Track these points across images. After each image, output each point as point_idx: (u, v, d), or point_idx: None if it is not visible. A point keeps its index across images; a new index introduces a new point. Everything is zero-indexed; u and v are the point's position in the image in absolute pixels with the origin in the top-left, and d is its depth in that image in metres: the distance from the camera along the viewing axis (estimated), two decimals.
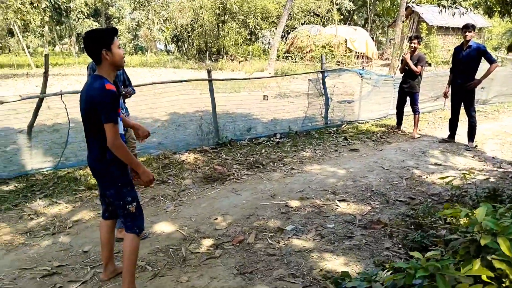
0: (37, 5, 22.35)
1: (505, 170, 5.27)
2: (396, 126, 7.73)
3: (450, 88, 6.63)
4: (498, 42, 25.63)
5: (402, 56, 7.22)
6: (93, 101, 2.35)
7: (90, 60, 2.88)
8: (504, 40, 25.81)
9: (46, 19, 26.82)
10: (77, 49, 37.86)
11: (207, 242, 3.42)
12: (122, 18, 41.84)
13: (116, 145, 2.38)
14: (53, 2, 25.33)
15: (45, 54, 5.26)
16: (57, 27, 35.94)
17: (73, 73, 21.34)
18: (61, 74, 20.57)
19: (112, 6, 42.09)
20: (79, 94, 2.55)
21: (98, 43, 2.38)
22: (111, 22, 42.37)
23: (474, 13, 22.69)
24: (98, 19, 41.43)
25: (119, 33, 36.71)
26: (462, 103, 6.53)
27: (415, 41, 7.04)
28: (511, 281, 1.97)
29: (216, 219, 3.90)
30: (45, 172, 5.27)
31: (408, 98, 7.32)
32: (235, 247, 3.32)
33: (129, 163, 2.50)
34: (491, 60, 6.15)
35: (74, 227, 3.79)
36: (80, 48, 43.16)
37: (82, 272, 3.02)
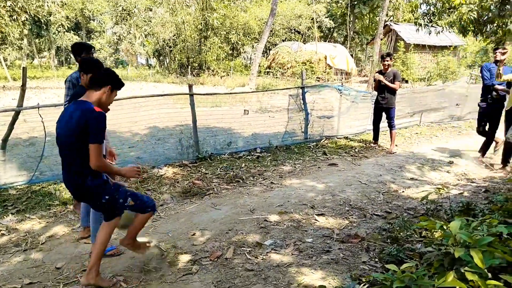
0: (17, 17, 22.04)
1: (478, 185, 5.41)
2: (373, 141, 7.87)
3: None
4: (472, 60, 26.58)
5: (374, 76, 7.38)
6: (84, 122, 2.54)
7: (68, 73, 2.98)
8: (477, 58, 26.76)
9: (25, 32, 26.48)
10: (56, 63, 37.38)
11: (184, 258, 3.37)
12: (104, 32, 41.67)
13: (99, 166, 2.62)
14: (33, 15, 25.04)
15: (22, 67, 5.17)
16: (37, 40, 35.51)
17: (51, 87, 21.02)
18: (39, 87, 20.25)
19: (93, 20, 41.87)
20: (59, 118, 2.76)
21: (110, 80, 2.77)
22: (92, 36, 42.09)
23: (449, 32, 23.48)
24: (79, 32, 41.14)
25: (100, 47, 36.55)
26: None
27: (387, 58, 7.22)
28: None
29: (194, 234, 3.86)
30: (18, 186, 5.13)
31: (384, 114, 7.46)
32: (213, 263, 3.28)
33: (113, 174, 2.91)
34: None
35: (47, 243, 3.69)
36: (60, 61, 42.62)
37: None
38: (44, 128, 5.16)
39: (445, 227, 2.51)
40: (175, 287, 2.94)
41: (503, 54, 5.97)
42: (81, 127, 2.55)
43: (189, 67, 28.54)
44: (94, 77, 2.77)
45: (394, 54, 17.86)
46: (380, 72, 7.34)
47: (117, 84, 2.82)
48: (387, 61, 7.18)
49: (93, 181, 2.69)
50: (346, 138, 8.48)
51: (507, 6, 17.28)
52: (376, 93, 7.59)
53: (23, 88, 5.05)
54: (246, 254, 3.42)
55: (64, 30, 35.31)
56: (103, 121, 2.61)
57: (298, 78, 21.95)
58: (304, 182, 5.51)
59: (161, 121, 8.13)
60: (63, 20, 32.14)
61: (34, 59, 40.76)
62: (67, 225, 4.06)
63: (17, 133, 6.58)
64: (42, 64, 40.40)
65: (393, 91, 7.16)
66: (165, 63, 32.26)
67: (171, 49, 30.24)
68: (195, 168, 6.08)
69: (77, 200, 2.89)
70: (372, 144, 7.80)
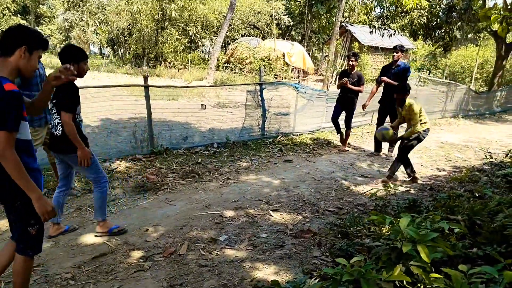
0: None
1: (424, 183, 5.71)
2: (338, 135, 7.89)
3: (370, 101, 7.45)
4: (421, 63, 27.87)
5: (342, 81, 7.36)
6: None
7: None
8: (426, 62, 28.11)
9: None
10: None
11: (136, 254, 3.30)
12: (54, 18, 39.53)
13: (5, 155, 1.99)
14: None
15: None
16: None
17: None
18: None
19: (43, 4, 39.59)
20: None
21: (23, 38, 2.11)
22: (42, 22, 39.85)
23: (401, 35, 24.54)
24: (27, 17, 38.76)
25: (49, 33, 34.67)
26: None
27: (353, 58, 7.19)
28: (425, 285, 2.13)
29: (147, 230, 3.78)
30: None
31: (344, 113, 7.59)
32: (166, 259, 3.24)
33: (20, 183, 2.04)
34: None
35: None
36: None
37: None
38: None
39: (394, 222, 2.64)
40: (126, 284, 2.87)
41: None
42: None
43: (145, 58, 27.74)
44: (2, 39, 2.09)
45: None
46: (344, 71, 7.42)
47: (35, 41, 2.14)
48: (352, 61, 7.18)
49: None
50: (302, 135, 8.64)
51: (454, 13, 18.32)
52: (331, 91, 7.76)
53: None
54: (200, 250, 3.40)
55: (10, 14, 33.13)
56: (11, 104, 1.98)
57: (256, 74, 22.02)
58: (260, 178, 5.55)
59: (114, 113, 7.87)
60: (9, 2, 30.17)
61: None
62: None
63: None
64: None
65: (356, 93, 7.32)
66: (120, 53, 31.17)
67: (126, 38, 29.25)
68: (149, 163, 5.95)
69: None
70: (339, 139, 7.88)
